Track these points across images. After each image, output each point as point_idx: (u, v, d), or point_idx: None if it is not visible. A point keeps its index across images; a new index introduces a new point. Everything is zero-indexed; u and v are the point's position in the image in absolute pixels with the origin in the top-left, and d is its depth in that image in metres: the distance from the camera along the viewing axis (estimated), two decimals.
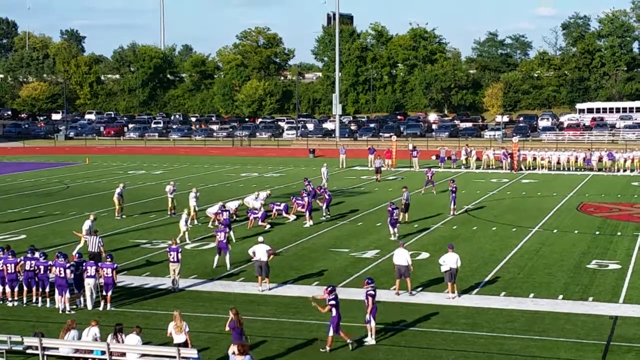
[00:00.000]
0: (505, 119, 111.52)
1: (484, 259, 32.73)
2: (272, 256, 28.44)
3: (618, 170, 64.25)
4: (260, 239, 29.15)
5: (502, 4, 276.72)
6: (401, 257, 27.12)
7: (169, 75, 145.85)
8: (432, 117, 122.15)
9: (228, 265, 30.73)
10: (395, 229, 36.54)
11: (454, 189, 42.97)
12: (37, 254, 27.06)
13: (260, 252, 28.02)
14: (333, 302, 22.15)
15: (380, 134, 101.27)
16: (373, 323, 22.67)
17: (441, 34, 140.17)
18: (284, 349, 22.18)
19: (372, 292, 22.81)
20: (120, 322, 21.52)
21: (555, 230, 38.89)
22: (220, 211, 37.16)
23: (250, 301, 26.71)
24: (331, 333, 22.07)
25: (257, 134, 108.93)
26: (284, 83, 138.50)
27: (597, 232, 38.40)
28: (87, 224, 32.80)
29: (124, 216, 42.71)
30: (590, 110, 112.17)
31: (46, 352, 21.19)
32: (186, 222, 35.98)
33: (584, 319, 24.63)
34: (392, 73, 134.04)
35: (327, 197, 42.77)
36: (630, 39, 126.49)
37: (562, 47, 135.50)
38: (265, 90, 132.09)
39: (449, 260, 26.80)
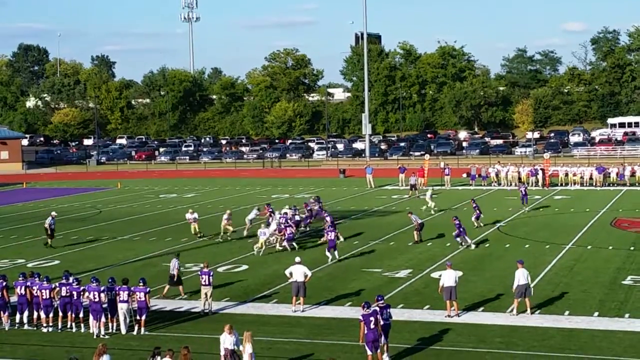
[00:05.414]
0: (536, 135, 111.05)
1: None
2: (308, 277, 28.35)
3: (609, 185, 63.74)
4: (298, 259, 29.04)
5: (530, 20, 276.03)
6: (450, 278, 26.74)
7: (198, 99, 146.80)
8: (462, 134, 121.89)
9: (336, 256, 35.92)
10: (465, 237, 38.63)
11: (477, 212, 44.02)
12: (70, 279, 27.18)
13: (297, 272, 27.98)
14: None
15: (411, 152, 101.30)
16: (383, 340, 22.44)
17: (470, 52, 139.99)
18: None
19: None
20: (159, 346, 21.43)
21: (589, 247, 38.53)
22: (284, 226, 38.97)
23: (284, 323, 26.64)
24: None
25: (287, 155, 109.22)
26: (313, 104, 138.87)
27: (632, 248, 37.97)
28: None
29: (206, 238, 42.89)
30: (621, 125, 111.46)
31: None
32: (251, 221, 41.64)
33: (621, 336, 24.32)
34: (422, 92, 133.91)
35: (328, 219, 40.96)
36: None
37: (592, 62, 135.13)
38: (295, 111, 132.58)
39: (520, 276, 26.58)
